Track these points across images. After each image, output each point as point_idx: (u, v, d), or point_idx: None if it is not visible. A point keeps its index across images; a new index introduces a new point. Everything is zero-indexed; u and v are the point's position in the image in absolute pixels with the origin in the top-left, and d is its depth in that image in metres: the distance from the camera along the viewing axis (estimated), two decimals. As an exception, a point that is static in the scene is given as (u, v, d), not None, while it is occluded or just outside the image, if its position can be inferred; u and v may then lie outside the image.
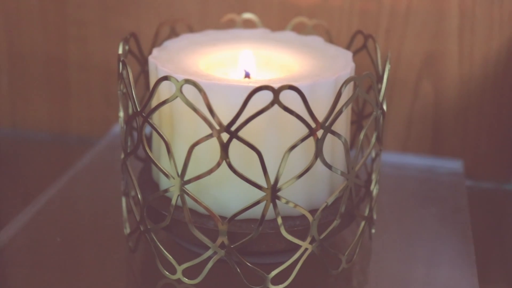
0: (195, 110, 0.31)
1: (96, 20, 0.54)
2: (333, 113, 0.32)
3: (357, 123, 0.42)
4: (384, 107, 0.37)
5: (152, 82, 0.37)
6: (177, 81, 0.31)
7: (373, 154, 0.39)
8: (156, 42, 0.42)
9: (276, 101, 0.31)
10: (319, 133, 0.32)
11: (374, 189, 0.38)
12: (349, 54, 0.38)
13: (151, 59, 0.37)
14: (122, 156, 0.37)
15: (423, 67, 0.50)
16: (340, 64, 0.37)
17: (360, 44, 0.41)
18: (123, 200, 0.39)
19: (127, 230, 0.39)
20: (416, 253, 0.40)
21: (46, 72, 0.56)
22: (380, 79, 0.38)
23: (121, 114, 0.37)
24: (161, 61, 0.36)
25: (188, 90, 0.32)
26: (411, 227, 0.43)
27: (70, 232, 0.41)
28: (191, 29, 0.44)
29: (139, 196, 0.35)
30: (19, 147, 0.57)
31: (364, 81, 0.34)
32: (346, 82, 0.32)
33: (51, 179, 0.48)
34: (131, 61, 0.41)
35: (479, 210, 0.48)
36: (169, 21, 0.43)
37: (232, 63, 0.39)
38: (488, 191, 0.51)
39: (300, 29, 0.45)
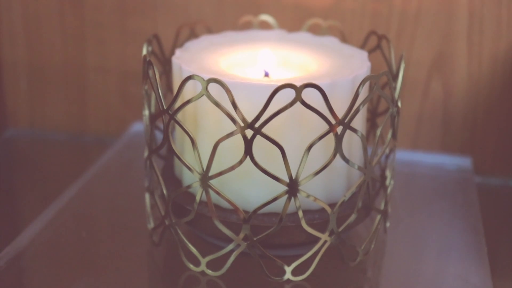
0: (220, 108, 0.33)
1: (114, 23, 0.55)
2: (352, 110, 0.34)
3: (371, 120, 0.44)
4: (399, 104, 0.38)
5: (176, 81, 0.38)
6: (203, 80, 0.33)
7: (387, 150, 0.41)
8: (177, 43, 0.43)
9: (298, 98, 0.32)
10: (339, 129, 0.34)
11: (390, 184, 0.40)
12: (364, 54, 0.40)
13: (175, 60, 0.38)
14: (146, 153, 0.38)
15: (433, 67, 0.51)
16: (357, 63, 0.38)
17: (373, 44, 0.43)
18: (147, 196, 0.40)
19: (151, 225, 0.40)
20: (429, 246, 0.42)
21: (64, 73, 0.57)
22: (395, 77, 0.39)
23: (146, 112, 0.38)
24: (184, 61, 0.38)
25: (212, 89, 0.34)
26: (423, 221, 0.44)
27: (93, 228, 0.43)
28: (210, 31, 0.45)
29: (164, 192, 0.37)
30: (38, 147, 0.59)
31: (379, 80, 0.36)
32: (364, 81, 0.34)
33: (70, 178, 0.49)
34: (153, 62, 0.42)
35: (488, 206, 0.50)
36: (188, 23, 0.44)
37: (251, 63, 0.40)
38: (497, 187, 0.53)
39: (315, 30, 0.46)
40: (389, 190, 0.39)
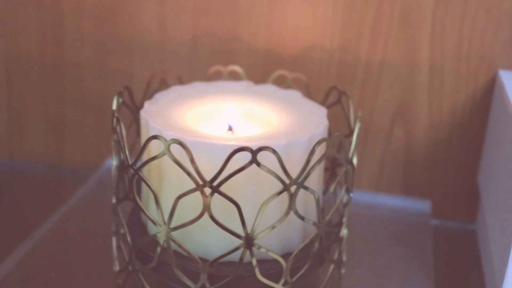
0: (181, 167, 0.35)
1: (92, 61, 0.57)
2: (305, 171, 0.36)
3: (331, 169, 0.46)
4: (354, 161, 0.41)
5: (143, 134, 0.40)
6: (165, 140, 0.35)
7: (345, 200, 0.43)
8: (148, 91, 0.45)
9: (254, 160, 0.35)
10: (293, 188, 0.36)
11: (344, 233, 0.42)
12: (323, 111, 0.42)
13: (143, 114, 0.40)
14: (114, 200, 0.40)
15: (395, 115, 0.54)
16: (315, 121, 0.40)
17: (336, 96, 0.45)
18: (114, 239, 0.42)
19: (117, 268, 0.42)
20: (383, 292, 0.44)
21: (43, 107, 0.59)
22: (351, 133, 0.42)
23: (114, 162, 0.40)
24: (151, 115, 0.40)
25: (175, 146, 0.36)
26: (379, 267, 0.46)
27: (63, 267, 0.44)
28: (180, 80, 0.47)
29: (128, 239, 0.39)
30: (16, 177, 0.61)
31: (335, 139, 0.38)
32: (318, 143, 0.36)
33: (45, 210, 0.51)
34: (124, 109, 0.44)
35: (445, 248, 0.52)
36: (159, 73, 0.46)
37: (217, 115, 0.43)
38: (454, 230, 0.55)
39: (282, 80, 0.49)
40: (343, 241, 0.42)
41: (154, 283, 0.39)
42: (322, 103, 0.46)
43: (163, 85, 0.47)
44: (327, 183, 0.46)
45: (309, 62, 0.53)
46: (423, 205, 0.54)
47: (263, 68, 0.54)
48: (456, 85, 0.52)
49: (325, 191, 0.46)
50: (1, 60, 0.59)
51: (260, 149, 0.35)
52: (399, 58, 0.52)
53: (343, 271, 0.43)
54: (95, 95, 0.58)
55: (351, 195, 0.41)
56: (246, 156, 0.35)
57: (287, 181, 0.36)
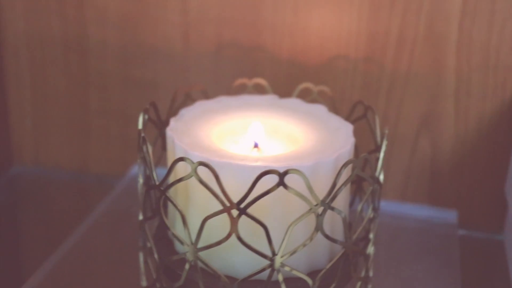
0: (208, 189, 0.35)
1: (116, 71, 0.57)
2: (332, 193, 0.36)
3: (357, 182, 0.46)
4: (381, 178, 0.40)
5: (169, 151, 0.40)
6: (192, 162, 0.35)
7: (371, 215, 0.43)
8: (173, 106, 0.45)
9: (281, 183, 0.35)
10: (320, 209, 0.36)
11: (371, 251, 0.42)
12: (349, 128, 0.42)
13: (169, 132, 0.40)
14: (141, 217, 0.40)
15: (421, 125, 0.53)
16: (341, 139, 0.40)
17: (362, 109, 0.45)
18: (141, 255, 0.43)
19: (144, 283, 0.42)
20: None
21: (68, 115, 0.60)
22: (378, 149, 0.41)
23: (140, 180, 0.40)
24: (177, 133, 0.40)
25: (203, 167, 0.36)
26: (405, 282, 0.46)
27: (91, 282, 0.45)
28: (205, 94, 0.47)
29: (155, 256, 0.39)
30: (41, 185, 0.61)
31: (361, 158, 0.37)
32: (345, 165, 0.36)
33: (71, 217, 0.52)
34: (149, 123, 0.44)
35: (472, 258, 0.52)
36: (184, 87, 0.46)
37: (242, 131, 0.42)
38: (481, 241, 0.55)
39: (307, 93, 0.48)
40: (370, 258, 0.41)
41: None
42: (348, 117, 0.45)
43: (188, 99, 0.46)
44: (353, 193, 0.46)
45: (333, 72, 0.53)
46: (450, 215, 0.54)
47: (287, 78, 0.53)
48: (483, 95, 0.51)
49: (351, 203, 0.46)
50: (26, 70, 0.59)
51: (287, 172, 0.34)
52: (425, 68, 0.52)
53: (369, 286, 0.43)
54: (119, 104, 0.58)
55: (378, 211, 0.41)
56: (273, 178, 0.35)
57: (314, 202, 0.35)
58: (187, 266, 0.37)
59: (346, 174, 0.38)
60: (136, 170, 0.58)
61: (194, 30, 0.55)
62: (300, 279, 0.39)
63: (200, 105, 0.44)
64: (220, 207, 0.35)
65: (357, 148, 0.45)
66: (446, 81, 0.52)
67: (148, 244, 0.41)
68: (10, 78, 0.60)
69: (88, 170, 0.61)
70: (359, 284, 0.41)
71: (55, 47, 0.58)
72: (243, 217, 0.35)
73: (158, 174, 0.37)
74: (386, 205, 0.54)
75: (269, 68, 0.54)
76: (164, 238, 0.43)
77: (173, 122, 0.42)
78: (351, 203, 0.46)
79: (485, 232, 0.55)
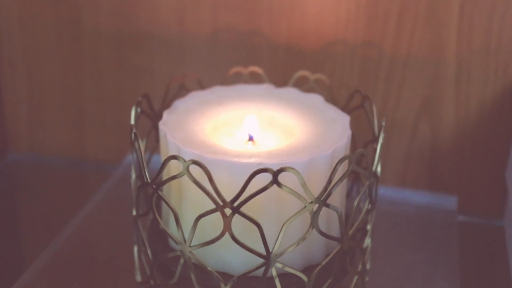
0: (200, 187, 0.34)
1: (110, 56, 0.56)
2: (328, 189, 0.35)
3: (354, 173, 0.45)
4: (378, 170, 0.40)
5: (162, 146, 0.40)
6: (184, 161, 0.34)
7: (369, 207, 0.42)
8: (167, 97, 0.44)
9: (275, 181, 0.34)
10: (315, 206, 0.35)
11: (368, 243, 0.41)
12: (346, 119, 0.41)
13: (162, 126, 0.39)
14: (134, 213, 0.40)
15: (421, 110, 0.52)
16: (337, 132, 0.39)
17: (359, 98, 0.44)
18: (135, 249, 0.42)
19: (139, 278, 0.42)
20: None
21: (63, 102, 0.59)
22: (375, 139, 0.40)
23: (133, 176, 0.40)
24: (170, 128, 0.39)
25: (195, 166, 0.35)
26: (404, 268, 0.46)
27: (86, 275, 0.44)
28: (200, 83, 0.46)
29: (149, 253, 0.38)
30: (38, 172, 0.61)
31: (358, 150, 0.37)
32: (340, 161, 0.35)
33: (68, 204, 0.51)
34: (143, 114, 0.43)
35: (471, 244, 0.51)
36: (178, 77, 0.45)
37: (237, 123, 0.42)
38: (481, 226, 0.54)
39: (304, 80, 0.47)
40: (367, 251, 0.41)
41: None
42: (345, 107, 0.44)
43: (183, 89, 0.46)
44: (351, 183, 0.45)
45: (331, 57, 0.52)
46: (450, 201, 0.53)
47: (284, 63, 0.52)
48: (484, 80, 0.50)
49: (348, 193, 0.45)
50: (20, 56, 0.58)
51: (281, 170, 0.34)
52: (425, 53, 0.50)
53: (366, 279, 0.43)
54: (114, 89, 0.57)
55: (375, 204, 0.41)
56: (267, 176, 0.34)
57: (308, 200, 0.35)
58: (180, 263, 0.37)
59: (342, 168, 0.38)
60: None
61: (190, 15, 0.53)
62: (294, 275, 0.38)
63: (194, 96, 0.43)
64: (213, 205, 0.35)
65: (354, 137, 0.44)
66: (447, 65, 0.50)
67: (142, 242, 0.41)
68: (3, 65, 0.59)
69: (84, 157, 0.61)
70: (356, 278, 0.40)
71: (49, 33, 0.56)
72: (237, 215, 0.35)
73: (152, 165, 0.37)
74: (385, 191, 0.54)
75: (266, 53, 0.53)
76: (159, 233, 0.42)
77: (166, 115, 0.41)
78: (349, 193, 0.45)
79: (485, 218, 0.54)
